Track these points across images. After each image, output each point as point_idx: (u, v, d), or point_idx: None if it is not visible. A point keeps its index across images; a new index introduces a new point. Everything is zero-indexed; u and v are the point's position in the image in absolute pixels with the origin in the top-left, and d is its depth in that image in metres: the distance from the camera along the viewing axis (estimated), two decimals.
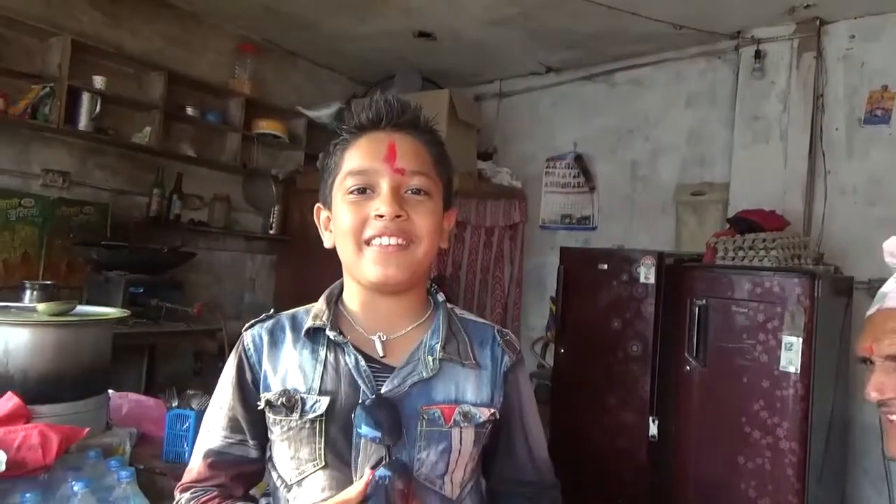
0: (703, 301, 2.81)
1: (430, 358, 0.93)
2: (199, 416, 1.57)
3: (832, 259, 3.14)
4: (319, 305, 0.99)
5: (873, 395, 0.93)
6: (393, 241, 0.89)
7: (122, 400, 1.74)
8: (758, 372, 2.65)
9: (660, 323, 2.99)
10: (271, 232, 4.25)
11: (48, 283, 2.80)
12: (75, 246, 3.24)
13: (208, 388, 2.05)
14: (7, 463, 1.15)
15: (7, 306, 1.63)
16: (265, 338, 0.97)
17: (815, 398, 2.57)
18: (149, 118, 3.52)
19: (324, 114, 4.34)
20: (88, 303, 3.04)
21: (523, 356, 1.04)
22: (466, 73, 4.54)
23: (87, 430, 1.32)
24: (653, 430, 2.95)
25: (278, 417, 0.92)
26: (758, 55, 3.44)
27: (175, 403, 1.61)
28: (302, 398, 0.90)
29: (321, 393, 0.90)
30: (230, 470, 0.96)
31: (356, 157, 0.93)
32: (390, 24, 3.77)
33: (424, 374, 0.92)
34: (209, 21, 3.90)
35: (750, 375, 2.67)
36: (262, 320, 1.00)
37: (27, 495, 1.10)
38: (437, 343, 0.94)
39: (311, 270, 4.18)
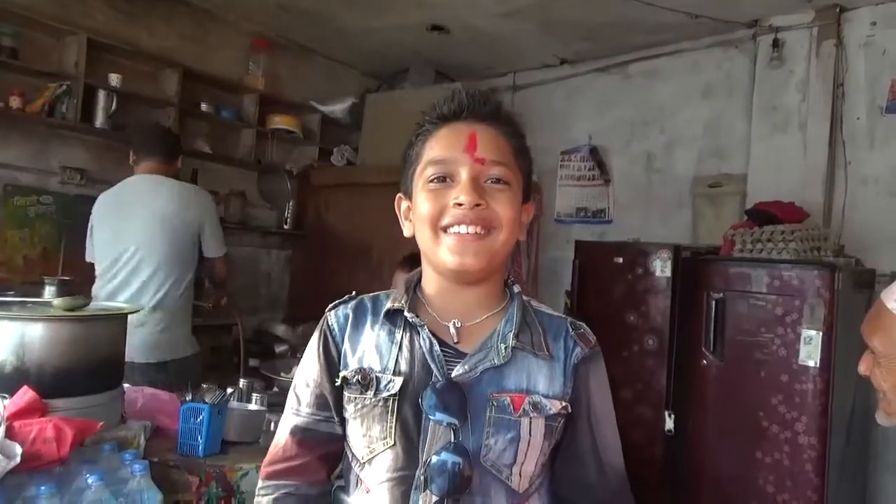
0: (721, 294, 2.77)
1: (503, 345, 0.93)
2: (213, 409, 1.58)
3: (853, 251, 3.08)
4: (399, 290, 1.01)
5: (860, 369, 1.06)
6: (471, 229, 0.90)
7: (137, 394, 1.75)
8: (776, 366, 2.62)
9: (676, 317, 2.96)
10: (286, 227, 4.27)
11: (66, 278, 2.83)
12: None
13: (223, 383, 2.07)
14: (23, 456, 1.17)
15: (23, 301, 1.65)
16: (350, 317, 0.99)
17: (836, 392, 2.53)
18: (164, 115, 3.54)
19: (337, 108, 4.36)
20: None
21: (600, 351, 1.02)
22: (480, 67, 4.52)
23: (102, 423, 1.33)
24: (669, 424, 2.92)
25: (353, 395, 0.94)
26: (776, 44, 3.38)
27: (189, 397, 1.61)
28: (377, 377, 0.93)
29: (395, 373, 0.92)
30: (318, 449, 0.99)
31: (437, 147, 0.94)
32: (403, 17, 3.76)
33: (496, 360, 0.92)
34: (223, 18, 3.92)
35: (768, 369, 2.64)
36: (346, 301, 1.03)
37: (42, 488, 1.11)
38: (511, 331, 0.94)
39: (327, 265, 4.21)
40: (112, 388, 1.50)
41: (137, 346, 2.28)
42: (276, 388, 2.20)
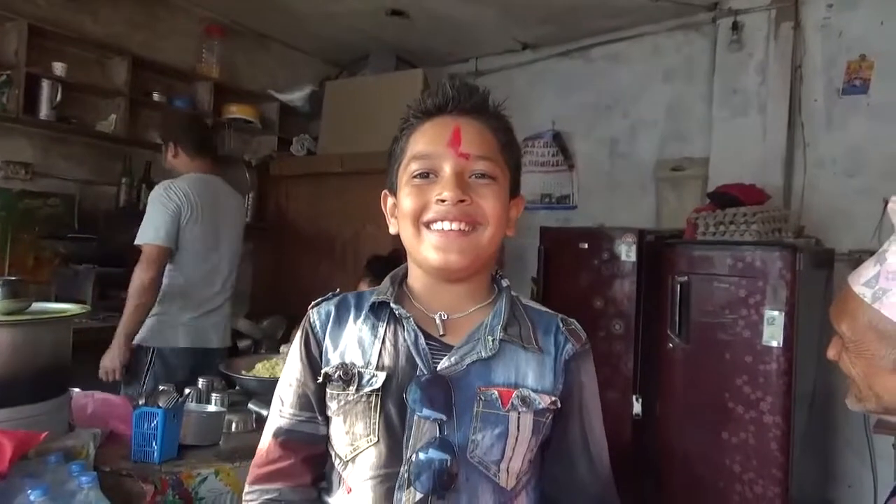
0: (685, 277, 2.78)
1: (491, 338, 0.91)
2: (168, 414, 1.50)
3: (812, 231, 3.13)
4: (384, 284, 0.99)
5: (828, 354, 1.04)
6: (455, 225, 0.88)
7: (87, 399, 1.67)
8: (740, 347, 2.64)
9: (642, 301, 2.97)
10: (247, 220, 4.15)
11: (13, 278, 2.70)
12: (41, 239, 3.14)
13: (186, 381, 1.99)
14: None
15: None
16: (332, 313, 0.97)
17: (798, 371, 2.56)
18: (114, 105, 3.41)
19: (297, 97, 4.25)
20: (57, 297, 2.97)
21: (590, 349, 1.00)
22: (441, 52, 4.46)
23: (46, 433, 1.25)
24: (637, 408, 2.94)
25: (335, 391, 0.92)
26: (735, 27, 3.39)
27: (142, 401, 1.54)
28: (359, 372, 0.90)
29: (378, 368, 0.90)
30: (301, 451, 0.96)
31: (421, 142, 0.92)
32: (362, 2, 3.67)
33: (483, 353, 0.90)
34: (174, 3, 3.78)
35: (732, 351, 2.66)
36: (329, 298, 1.00)
37: None
38: (499, 324, 0.92)
39: (289, 257, 4.13)
40: (57, 394, 1.42)
41: (220, 332, 2.66)
42: (237, 387, 2.13)
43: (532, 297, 3.68)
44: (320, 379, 0.93)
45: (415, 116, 0.95)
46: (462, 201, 0.87)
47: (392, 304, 0.93)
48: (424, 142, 0.92)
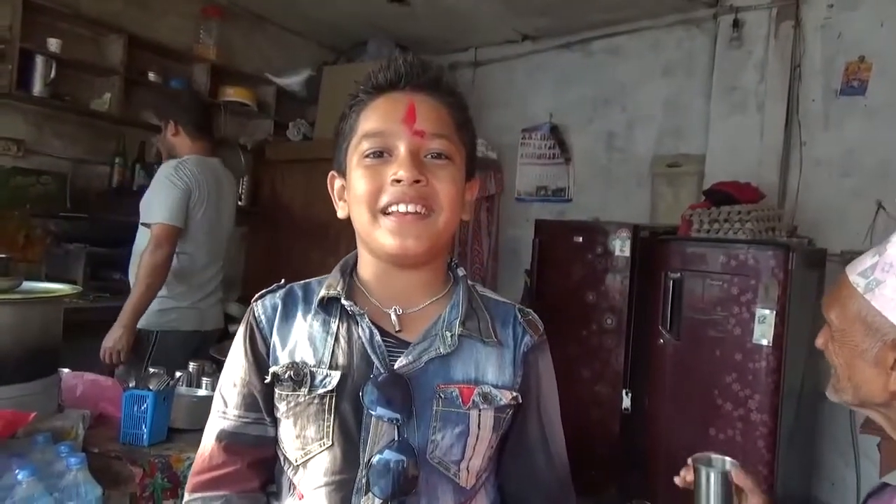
0: (678, 274, 2.79)
1: (449, 333, 0.86)
2: (158, 397, 1.50)
3: (806, 231, 3.14)
4: (333, 276, 0.92)
5: (817, 342, 1.03)
6: (411, 208, 0.83)
7: (76, 380, 1.66)
8: (731, 344, 2.66)
9: (634, 296, 2.98)
10: (241, 203, 4.13)
11: (2, 256, 2.67)
12: (32, 217, 3.11)
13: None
14: None
15: None
16: (279, 307, 0.91)
17: (787, 370, 2.58)
18: (108, 84, 3.37)
19: (293, 81, 4.22)
20: (48, 277, 2.94)
21: (546, 339, 0.96)
22: (440, 41, 4.43)
23: (34, 414, 1.24)
24: (626, 402, 2.96)
25: (284, 392, 0.86)
26: (736, 24, 3.38)
27: (132, 384, 1.53)
28: (311, 372, 0.85)
29: (332, 367, 0.85)
30: (248, 455, 0.90)
31: (373, 119, 0.87)
32: None
33: (442, 349, 0.86)
34: None
35: (723, 348, 2.68)
36: (273, 290, 0.94)
37: None
38: (457, 318, 0.88)
39: (283, 242, 4.11)
40: (47, 375, 1.41)
41: (216, 314, 2.65)
42: None
43: (525, 289, 3.70)
44: (268, 378, 0.87)
45: (365, 92, 0.89)
46: (418, 181, 0.83)
47: (344, 301, 0.88)
48: (376, 118, 0.86)
